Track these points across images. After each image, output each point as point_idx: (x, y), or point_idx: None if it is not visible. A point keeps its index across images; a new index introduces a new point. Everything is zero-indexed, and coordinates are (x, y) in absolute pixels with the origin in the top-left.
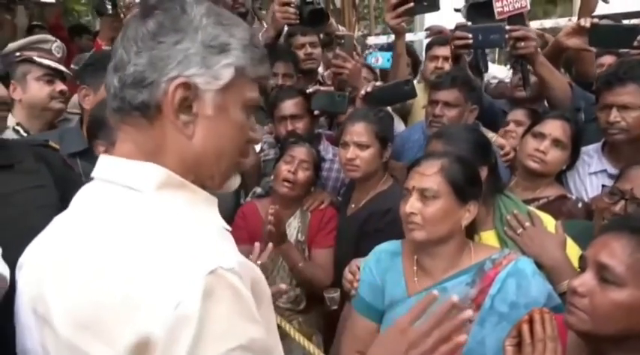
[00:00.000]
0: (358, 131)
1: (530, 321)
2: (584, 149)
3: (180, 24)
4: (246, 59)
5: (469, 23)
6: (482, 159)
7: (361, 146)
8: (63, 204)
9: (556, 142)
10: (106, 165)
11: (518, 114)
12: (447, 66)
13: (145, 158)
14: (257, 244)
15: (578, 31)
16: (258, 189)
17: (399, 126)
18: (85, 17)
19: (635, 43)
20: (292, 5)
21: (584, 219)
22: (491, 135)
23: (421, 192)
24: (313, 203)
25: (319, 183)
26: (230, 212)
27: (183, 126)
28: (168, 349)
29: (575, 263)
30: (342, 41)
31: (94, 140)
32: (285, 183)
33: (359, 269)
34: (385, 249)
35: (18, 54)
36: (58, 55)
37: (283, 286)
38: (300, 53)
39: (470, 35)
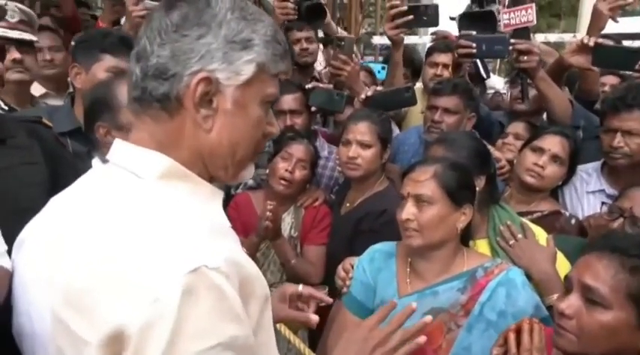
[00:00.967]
0: (362, 130)
1: (518, 331)
2: (582, 167)
3: (204, 17)
4: (268, 55)
5: (474, 32)
6: (481, 167)
7: (364, 145)
8: (53, 181)
9: (554, 158)
10: (118, 149)
11: (518, 128)
12: (446, 73)
13: (157, 148)
14: None
15: (582, 49)
16: (250, 181)
17: (394, 130)
18: None
19: (638, 66)
20: (291, 1)
21: (577, 236)
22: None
23: (416, 198)
24: (307, 200)
25: (314, 180)
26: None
27: (203, 120)
28: (143, 344)
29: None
30: (342, 43)
31: (94, 121)
32: (282, 182)
33: (352, 267)
34: (380, 249)
35: None
36: (13, 20)
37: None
38: (296, 48)
39: (474, 44)
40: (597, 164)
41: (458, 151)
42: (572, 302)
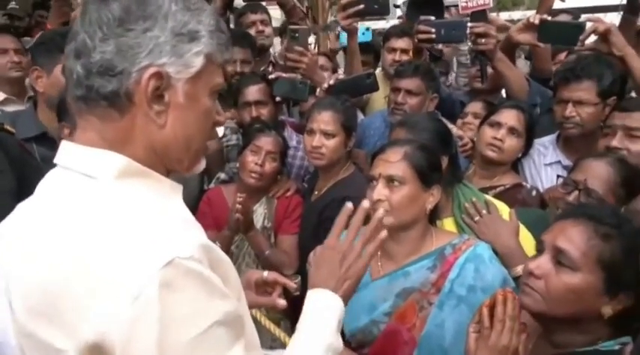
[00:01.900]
0: (325, 120)
1: (492, 305)
2: (539, 140)
3: (148, 10)
4: (214, 45)
5: (432, 18)
6: (444, 148)
7: (327, 134)
8: (21, 189)
9: (512, 130)
10: (66, 151)
11: (476, 107)
12: (405, 58)
13: (108, 146)
14: None
15: (528, 26)
16: (222, 175)
17: (358, 116)
18: None
19: (580, 40)
20: None
21: (538, 207)
22: (450, 126)
23: (387, 178)
24: (279, 190)
25: (284, 170)
26: (195, 197)
27: (156, 115)
28: (131, 343)
29: (527, 249)
30: (297, 34)
31: (60, 122)
32: (253, 175)
33: None
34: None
35: None
36: None
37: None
38: (251, 31)
39: (433, 30)
40: (553, 136)
41: (420, 133)
42: (541, 263)
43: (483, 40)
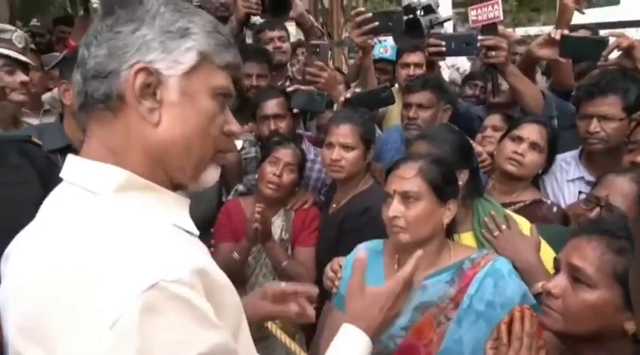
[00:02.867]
0: (344, 133)
1: (510, 322)
2: (561, 156)
3: (137, 14)
4: (210, 45)
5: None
6: (465, 161)
7: (346, 147)
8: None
9: (533, 145)
10: (71, 166)
11: (496, 120)
12: (419, 72)
13: (110, 156)
14: None
15: (549, 42)
16: (240, 187)
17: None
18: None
19: (603, 56)
20: None
21: (559, 224)
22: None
23: (403, 195)
24: (297, 202)
25: (302, 183)
26: (213, 209)
27: (148, 113)
28: None
29: (549, 265)
30: (318, 49)
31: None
32: (270, 185)
33: (340, 267)
34: (367, 247)
35: None
36: (20, 45)
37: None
38: (269, 48)
39: (443, 43)
40: (575, 152)
41: (440, 145)
42: (558, 282)
43: (494, 53)
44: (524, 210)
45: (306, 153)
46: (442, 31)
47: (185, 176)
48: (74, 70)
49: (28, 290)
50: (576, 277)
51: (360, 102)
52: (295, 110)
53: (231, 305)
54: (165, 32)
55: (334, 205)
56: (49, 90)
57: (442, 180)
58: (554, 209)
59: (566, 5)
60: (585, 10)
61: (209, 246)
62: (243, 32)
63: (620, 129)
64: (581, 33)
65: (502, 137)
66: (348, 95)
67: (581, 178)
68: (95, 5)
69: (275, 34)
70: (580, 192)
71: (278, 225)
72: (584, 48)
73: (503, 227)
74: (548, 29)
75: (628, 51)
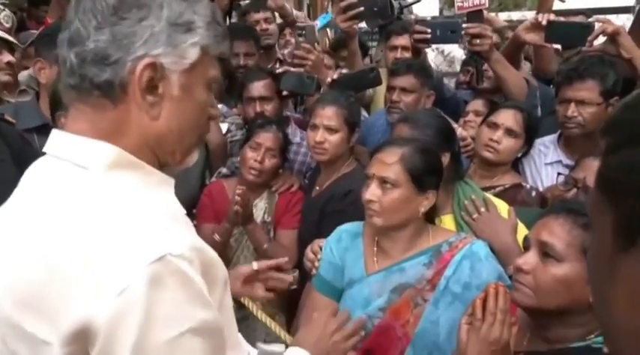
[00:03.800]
0: (328, 115)
1: (485, 298)
2: (540, 140)
3: None
4: (210, 37)
5: (429, 18)
6: (446, 145)
7: (330, 130)
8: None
9: (509, 132)
10: (57, 140)
11: (478, 105)
12: (407, 55)
13: (100, 137)
14: None
15: (535, 26)
16: (224, 170)
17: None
18: None
19: (589, 40)
20: None
21: (537, 207)
22: (453, 125)
23: (380, 180)
24: (282, 186)
25: (287, 166)
26: (196, 191)
27: (150, 107)
28: (113, 336)
29: None
30: (304, 32)
31: (55, 112)
32: (252, 172)
33: (321, 249)
34: (347, 229)
35: None
36: (7, 25)
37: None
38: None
39: (428, 30)
40: (554, 136)
41: (422, 129)
42: (528, 258)
43: (479, 41)
44: (503, 194)
45: (292, 136)
46: (413, 15)
47: (174, 160)
48: (61, 45)
49: (25, 262)
50: (546, 252)
51: (347, 84)
52: (284, 92)
53: (220, 279)
54: (172, 25)
55: (317, 188)
56: (26, 68)
57: (423, 170)
58: (533, 193)
59: None
60: None
61: None
62: (229, 18)
63: (597, 114)
64: (578, 18)
65: (481, 123)
66: (335, 76)
67: (559, 162)
68: None
69: (260, 15)
70: (559, 174)
71: (261, 208)
72: (570, 33)
73: (482, 210)
74: (531, 14)
75: (613, 37)
